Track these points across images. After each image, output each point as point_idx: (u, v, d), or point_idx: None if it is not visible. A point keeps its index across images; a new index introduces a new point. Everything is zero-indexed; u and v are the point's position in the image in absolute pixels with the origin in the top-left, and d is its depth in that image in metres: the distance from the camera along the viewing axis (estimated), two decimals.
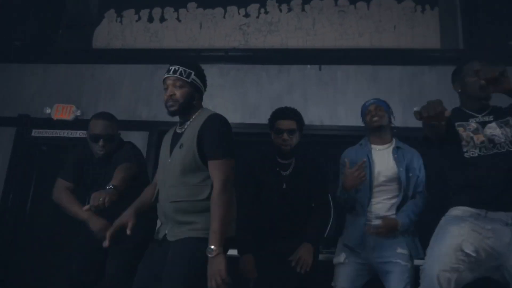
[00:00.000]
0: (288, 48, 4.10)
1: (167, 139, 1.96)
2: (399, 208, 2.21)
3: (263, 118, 3.84)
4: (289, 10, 4.31)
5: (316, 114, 3.76)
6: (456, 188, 1.86)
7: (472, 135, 1.84)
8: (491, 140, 1.82)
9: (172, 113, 1.86)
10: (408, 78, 3.79)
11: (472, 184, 1.79)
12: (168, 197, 1.76)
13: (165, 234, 1.78)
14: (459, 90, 2.00)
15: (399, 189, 2.23)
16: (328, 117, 3.77)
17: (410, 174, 2.24)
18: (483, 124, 1.86)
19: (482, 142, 1.81)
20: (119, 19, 4.49)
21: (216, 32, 4.32)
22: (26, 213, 3.92)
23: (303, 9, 4.29)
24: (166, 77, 1.90)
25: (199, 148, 1.75)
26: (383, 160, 2.28)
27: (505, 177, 1.74)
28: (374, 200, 2.24)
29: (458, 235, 1.68)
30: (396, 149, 2.30)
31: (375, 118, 2.32)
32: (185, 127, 1.85)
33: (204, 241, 1.64)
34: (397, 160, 2.26)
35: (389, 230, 2.10)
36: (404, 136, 2.64)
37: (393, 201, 2.22)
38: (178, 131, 1.89)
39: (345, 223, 2.41)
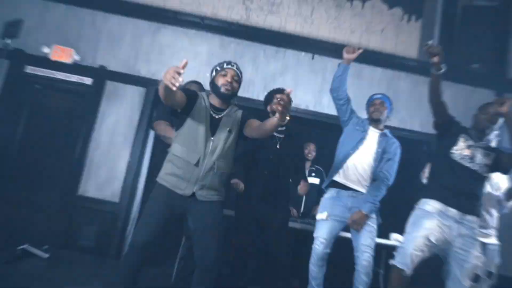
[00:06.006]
0: (286, 32, 4.40)
1: (201, 114, 2.24)
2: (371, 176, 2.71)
3: (255, 94, 4.22)
4: None
5: (304, 99, 4.18)
6: (434, 184, 2.54)
7: (464, 147, 2.48)
8: (471, 157, 2.46)
9: (223, 95, 2.25)
10: (387, 81, 4.30)
11: (445, 186, 2.45)
12: (214, 167, 2.18)
13: (193, 193, 2.18)
14: (472, 121, 2.60)
15: (372, 167, 2.71)
16: (313, 103, 4.21)
17: (384, 155, 2.75)
18: (476, 147, 2.50)
19: (466, 155, 2.47)
20: None
21: (220, 2, 4.48)
22: (13, 152, 3.99)
23: None
24: (228, 67, 2.30)
25: (239, 136, 2.29)
26: (372, 140, 2.77)
27: (466, 187, 2.44)
28: (355, 162, 2.71)
29: (428, 228, 2.39)
30: (383, 134, 2.80)
31: (376, 113, 2.80)
32: (222, 114, 2.26)
33: (223, 204, 2.29)
34: (379, 142, 2.76)
35: (362, 222, 2.62)
36: None
37: (368, 170, 2.70)
38: (215, 115, 2.26)
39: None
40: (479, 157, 2.47)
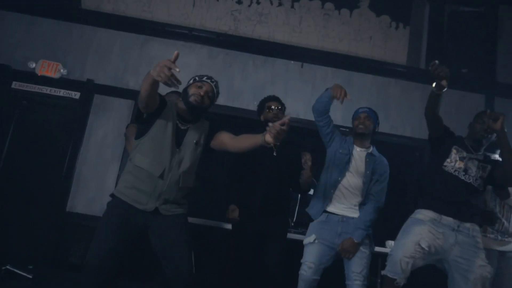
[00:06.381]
0: (275, 41, 4.40)
1: (168, 123, 2.11)
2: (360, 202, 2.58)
3: (245, 104, 4.20)
4: (280, 4, 4.59)
5: (294, 107, 4.14)
6: (427, 196, 2.45)
7: (458, 159, 2.41)
8: (465, 170, 2.39)
9: (190, 104, 2.11)
10: (377, 88, 4.29)
11: (439, 196, 2.38)
12: (179, 181, 2.09)
13: (156, 208, 2.05)
14: (468, 131, 2.54)
15: (366, 187, 2.58)
16: (303, 112, 4.17)
17: (373, 176, 2.61)
18: (470, 158, 2.42)
19: (459, 168, 2.39)
20: None
21: (208, 13, 4.49)
22: None
23: (292, 6, 4.60)
24: (207, 82, 2.19)
25: (205, 149, 2.21)
26: (360, 160, 2.63)
27: (460, 197, 2.35)
28: (343, 187, 2.57)
29: (418, 234, 2.27)
30: (370, 155, 2.67)
31: (361, 126, 2.64)
32: (188, 126, 2.16)
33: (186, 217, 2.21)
34: (367, 163, 2.62)
35: (353, 250, 2.45)
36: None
37: (358, 194, 2.57)
38: (181, 126, 2.15)
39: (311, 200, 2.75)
40: (474, 169, 2.39)
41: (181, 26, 4.30)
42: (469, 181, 2.37)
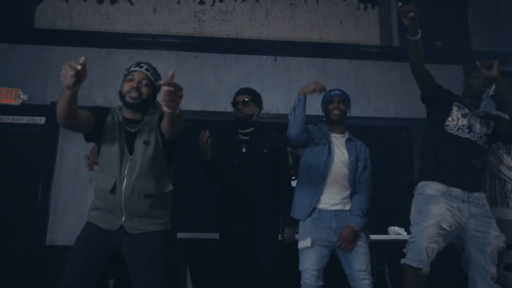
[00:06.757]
0: (244, 38, 4.24)
1: (114, 132, 1.89)
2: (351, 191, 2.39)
3: (221, 106, 4.02)
4: (243, 0, 4.43)
5: (272, 103, 3.99)
6: (431, 163, 2.25)
7: (460, 116, 2.23)
8: (470, 127, 2.21)
9: (129, 104, 1.87)
10: (354, 72, 4.18)
11: (444, 162, 2.18)
12: (134, 190, 1.82)
13: (122, 226, 1.82)
14: (463, 87, 2.38)
15: (352, 175, 2.40)
16: (283, 106, 4.03)
17: (359, 164, 2.44)
18: (472, 115, 2.25)
19: (463, 125, 2.21)
20: None
21: (171, 18, 4.31)
22: None
23: (256, 0, 4.45)
24: (135, 70, 1.91)
25: (163, 143, 1.88)
26: (340, 148, 2.45)
27: (466, 161, 2.16)
28: (329, 182, 2.36)
29: (438, 214, 2.07)
30: (348, 141, 2.49)
31: (336, 112, 2.44)
32: (138, 126, 1.90)
33: (168, 233, 1.89)
34: (348, 150, 2.44)
35: (353, 239, 2.24)
36: (348, 124, 2.78)
37: (346, 184, 2.37)
38: (131, 129, 1.90)
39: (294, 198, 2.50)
40: (478, 126, 2.23)
41: (145, 34, 4.10)
42: (474, 139, 2.20)
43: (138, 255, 1.79)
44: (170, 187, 1.93)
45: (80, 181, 3.72)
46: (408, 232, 3.10)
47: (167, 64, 4.06)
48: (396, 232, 3.05)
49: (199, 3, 4.36)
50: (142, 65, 1.94)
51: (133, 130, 1.89)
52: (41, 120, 3.78)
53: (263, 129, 2.71)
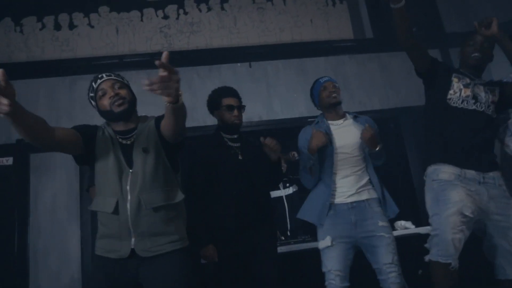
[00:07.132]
0: (214, 47, 4.08)
1: (107, 147, 1.72)
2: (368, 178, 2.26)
3: (201, 120, 3.81)
4: (209, 9, 4.28)
5: (254, 111, 3.82)
6: (438, 143, 2.08)
7: (462, 87, 2.06)
8: (475, 96, 2.05)
9: (121, 113, 1.70)
10: (332, 68, 4.06)
11: (452, 140, 2.01)
12: (141, 205, 1.63)
13: (132, 250, 1.62)
14: (460, 60, 2.22)
15: (363, 158, 2.28)
16: (265, 112, 3.87)
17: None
18: (474, 84, 2.09)
19: (467, 96, 2.04)
20: (18, 28, 3.99)
21: (136, 36, 4.11)
22: None
23: (222, 8, 4.30)
24: (101, 83, 1.74)
25: (165, 148, 1.72)
26: (343, 133, 2.31)
27: (475, 136, 2.00)
28: (339, 174, 2.24)
29: (458, 201, 1.88)
30: (355, 119, 2.37)
31: (334, 95, 2.32)
32: (134, 136, 1.74)
33: (186, 251, 1.69)
34: (357, 128, 2.30)
35: (375, 136, 2.18)
36: None
37: (360, 172, 2.25)
38: (126, 141, 1.73)
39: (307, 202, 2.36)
40: (483, 95, 2.06)
41: (110, 56, 3.90)
42: (481, 109, 2.04)
43: (161, 281, 1.59)
44: (180, 196, 1.73)
45: (59, 220, 3.45)
46: (416, 225, 2.98)
47: (138, 84, 3.84)
48: (404, 227, 2.88)
49: (163, 18, 4.18)
50: (100, 76, 1.77)
51: (128, 142, 1.72)
52: (8, 160, 3.49)
53: (242, 134, 2.54)
